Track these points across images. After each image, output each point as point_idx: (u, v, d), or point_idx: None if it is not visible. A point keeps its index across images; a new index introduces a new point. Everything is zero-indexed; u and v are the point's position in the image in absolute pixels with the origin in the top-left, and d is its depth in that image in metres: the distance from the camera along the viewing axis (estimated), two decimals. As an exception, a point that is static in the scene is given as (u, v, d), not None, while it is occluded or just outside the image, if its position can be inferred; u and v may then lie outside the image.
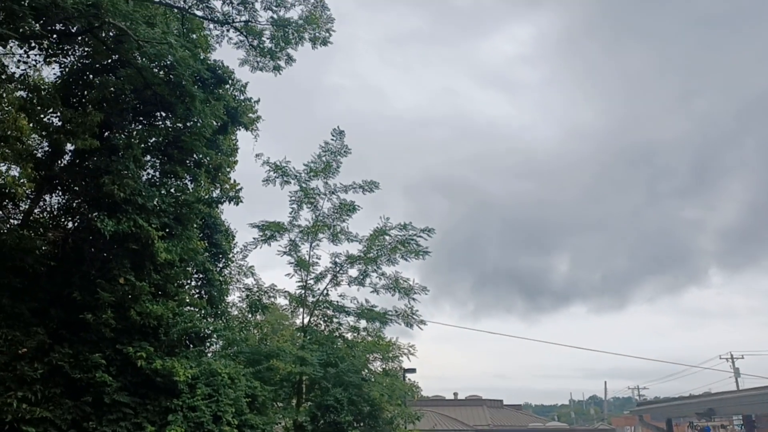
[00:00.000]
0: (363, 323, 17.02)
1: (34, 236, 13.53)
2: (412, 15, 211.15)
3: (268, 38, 14.93)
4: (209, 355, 15.68)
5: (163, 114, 15.25)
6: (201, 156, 15.44)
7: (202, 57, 14.89)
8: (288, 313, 22.33)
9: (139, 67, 13.22)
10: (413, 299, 16.49)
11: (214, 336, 15.97)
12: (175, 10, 14.79)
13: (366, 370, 16.81)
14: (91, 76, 14.54)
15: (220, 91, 15.52)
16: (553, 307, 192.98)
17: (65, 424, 11.66)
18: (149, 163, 15.29)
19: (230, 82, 16.17)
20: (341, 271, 17.00)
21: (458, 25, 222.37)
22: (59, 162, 14.47)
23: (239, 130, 17.23)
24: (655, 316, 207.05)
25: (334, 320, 17.10)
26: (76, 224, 14.46)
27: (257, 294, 17.00)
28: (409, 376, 23.34)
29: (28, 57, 13.68)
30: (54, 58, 14.30)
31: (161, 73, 13.99)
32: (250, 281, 17.56)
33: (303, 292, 16.88)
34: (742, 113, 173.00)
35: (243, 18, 14.69)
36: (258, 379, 14.40)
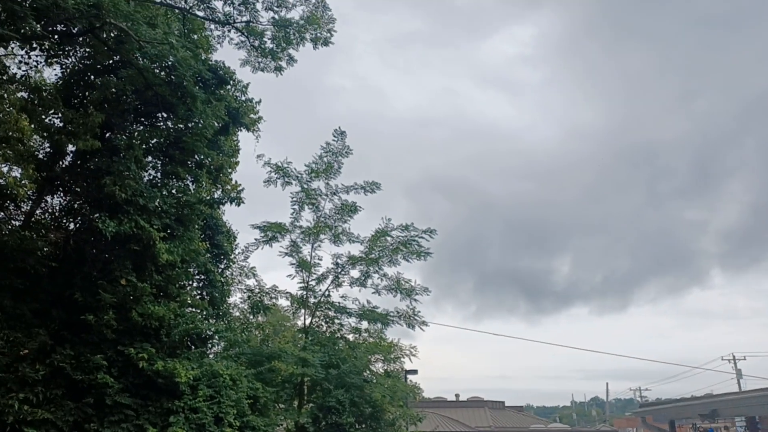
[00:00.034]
0: (365, 324, 16.99)
1: (36, 237, 13.51)
2: (412, 16, 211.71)
3: (269, 39, 14.93)
4: (211, 356, 15.67)
5: (165, 115, 15.24)
6: (202, 157, 15.43)
7: (203, 58, 14.87)
8: (289, 315, 22.27)
9: (140, 67, 13.21)
10: (415, 300, 16.48)
11: (216, 337, 15.95)
12: (177, 11, 14.78)
13: (368, 372, 16.78)
14: (92, 76, 14.54)
15: (222, 91, 15.51)
16: (554, 308, 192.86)
17: (67, 426, 11.63)
18: (150, 164, 15.29)
19: (231, 82, 16.15)
20: (343, 272, 16.98)
21: (458, 25, 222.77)
22: (60, 163, 14.47)
23: (240, 130, 17.21)
24: (656, 317, 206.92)
25: (336, 321, 17.08)
26: (77, 225, 14.45)
27: (259, 295, 16.96)
28: (410, 377, 23.29)
29: (30, 58, 13.70)
30: (55, 59, 14.30)
31: (162, 73, 13.98)
32: (251, 282, 17.54)
33: (304, 293, 16.86)
34: (742, 113, 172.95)
35: (244, 18, 14.68)
36: (260, 381, 14.37)
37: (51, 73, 14.61)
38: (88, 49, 14.29)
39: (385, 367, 17.95)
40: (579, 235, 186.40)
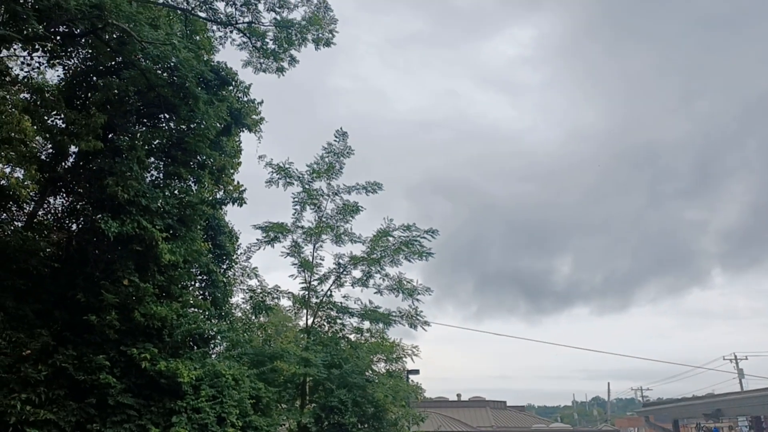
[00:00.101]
0: (367, 324, 17.02)
1: (38, 238, 13.53)
2: (413, 17, 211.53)
3: (271, 39, 14.95)
4: (213, 356, 15.69)
5: (167, 116, 15.25)
6: (204, 157, 15.44)
7: (205, 59, 14.90)
8: (292, 315, 22.26)
9: (142, 68, 13.22)
10: (417, 300, 16.49)
11: (218, 337, 15.96)
12: (179, 12, 14.81)
13: (370, 372, 16.80)
14: (94, 77, 14.54)
15: (224, 92, 15.52)
16: (555, 308, 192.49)
17: (69, 426, 11.63)
18: (153, 165, 15.30)
19: (233, 83, 16.17)
20: (345, 272, 17.00)
21: (459, 27, 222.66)
22: (63, 164, 14.48)
23: (243, 131, 17.24)
24: (657, 317, 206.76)
25: (338, 321, 17.10)
26: (80, 226, 14.46)
27: (261, 295, 16.99)
28: (412, 377, 23.27)
29: (32, 59, 13.69)
30: (57, 60, 14.31)
31: (165, 74, 13.98)
32: (253, 282, 17.59)
33: (306, 293, 16.89)
34: (743, 114, 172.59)
35: (246, 19, 14.71)
36: (262, 381, 14.38)
37: (53, 75, 14.66)
38: (90, 51, 14.30)
39: (387, 367, 17.97)
40: (580, 236, 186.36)
